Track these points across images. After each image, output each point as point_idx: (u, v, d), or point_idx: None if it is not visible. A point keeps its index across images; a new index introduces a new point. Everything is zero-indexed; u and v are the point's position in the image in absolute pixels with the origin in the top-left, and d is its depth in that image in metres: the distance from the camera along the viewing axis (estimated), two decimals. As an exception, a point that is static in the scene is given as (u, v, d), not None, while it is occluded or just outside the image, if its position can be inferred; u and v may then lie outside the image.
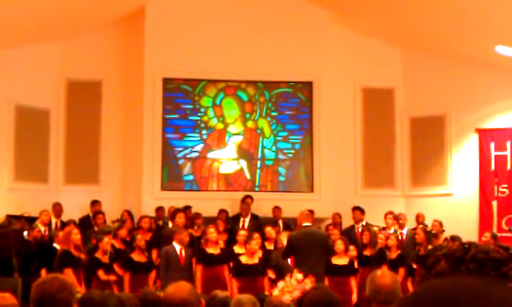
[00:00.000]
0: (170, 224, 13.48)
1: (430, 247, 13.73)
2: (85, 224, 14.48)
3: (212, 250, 12.18)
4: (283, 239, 12.58)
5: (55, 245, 12.22)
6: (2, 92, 15.51)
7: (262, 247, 12.60)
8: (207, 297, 6.48)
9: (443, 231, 14.41)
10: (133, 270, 11.77)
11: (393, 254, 12.87)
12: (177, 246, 11.81)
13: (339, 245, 12.37)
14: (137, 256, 11.92)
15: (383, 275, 4.70)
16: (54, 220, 14.81)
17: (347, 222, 15.49)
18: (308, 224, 11.91)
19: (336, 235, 13.53)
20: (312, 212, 13.06)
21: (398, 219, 14.77)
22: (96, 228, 13.74)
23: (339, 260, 12.21)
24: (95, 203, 15.44)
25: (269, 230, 13.55)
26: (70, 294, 3.84)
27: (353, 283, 12.20)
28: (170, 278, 10.89)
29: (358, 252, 12.94)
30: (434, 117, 16.87)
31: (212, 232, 12.29)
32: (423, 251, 13.63)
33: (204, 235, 12.51)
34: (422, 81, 17.01)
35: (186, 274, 11.24)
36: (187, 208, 14.43)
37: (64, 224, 14.10)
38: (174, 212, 13.55)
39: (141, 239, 12.20)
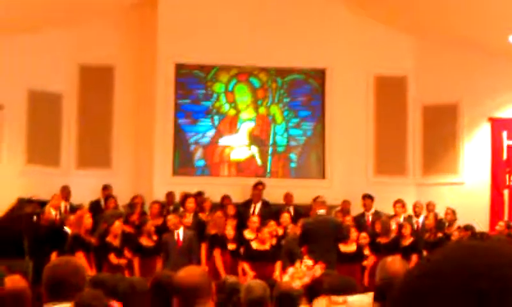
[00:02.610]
0: (181, 210, 13.51)
1: (439, 234, 13.73)
2: (95, 208, 14.48)
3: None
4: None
5: (66, 228, 12.20)
6: (15, 77, 15.53)
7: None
8: (218, 282, 6.50)
9: (456, 219, 14.38)
10: (142, 254, 11.83)
11: (407, 241, 12.85)
12: (175, 231, 11.91)
13: (353, 232, 12.41)
14: (145, 241, 11.97)
15: (393, 262, 4.67)
16: (63, 203, 14.82)
17: (357, 209, 15.46)
18: (323, 211, 11.90)
19: (349, 221, 13.49)
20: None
21: (414, 207, 14.87)
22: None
23: (348, 247, 12.19)
24: (106, 187, 15.46)
25: (285, 216, 13.55)
26: (82, 278, 3.86)
27: (361, 268, 12.20)
28: (169, 262, 11.01)
29: (370, 240, 12.92)
30: (447, 105, 16.79)
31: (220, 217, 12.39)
32: (432, 238, 13.62)
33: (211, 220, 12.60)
34: (435, 69, 16.91)
35: (185, 257, 11.25)
36: (198, 194, 14.43)
37: (73, 208, 14.11)
38: (184, 197, 13.61)
39: (151, 224, 12.25)
